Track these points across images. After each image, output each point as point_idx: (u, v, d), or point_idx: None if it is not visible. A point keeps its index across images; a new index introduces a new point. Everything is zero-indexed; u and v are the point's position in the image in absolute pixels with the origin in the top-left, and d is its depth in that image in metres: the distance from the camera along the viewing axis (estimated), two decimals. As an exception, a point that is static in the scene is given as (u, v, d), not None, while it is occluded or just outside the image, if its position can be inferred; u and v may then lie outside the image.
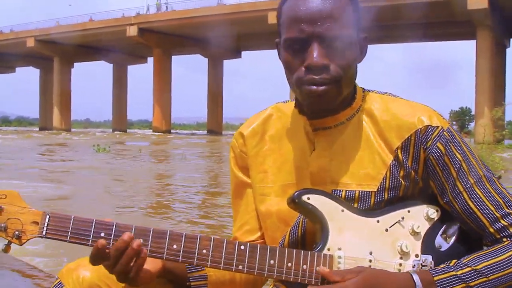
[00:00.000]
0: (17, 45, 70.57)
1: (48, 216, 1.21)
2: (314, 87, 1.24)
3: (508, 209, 1.27)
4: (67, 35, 65.72)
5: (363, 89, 1.39)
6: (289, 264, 1.24)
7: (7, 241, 1.20)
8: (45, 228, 1.20)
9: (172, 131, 67.54)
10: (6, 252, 1.21)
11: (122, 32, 60.21)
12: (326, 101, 1.27)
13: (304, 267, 1.24)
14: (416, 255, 1.27)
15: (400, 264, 1.27)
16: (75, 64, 79.61)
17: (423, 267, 1.27)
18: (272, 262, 1.23)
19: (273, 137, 1.44)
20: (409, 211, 1.29)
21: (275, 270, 1.23)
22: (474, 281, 1.20)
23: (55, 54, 70.77)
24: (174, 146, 30.85)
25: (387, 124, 1.32)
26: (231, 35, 57.28)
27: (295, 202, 1.27)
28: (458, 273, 1.20)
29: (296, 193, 1.27)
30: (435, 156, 1.28)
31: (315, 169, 1.35)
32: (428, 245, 1.28)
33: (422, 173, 1.31)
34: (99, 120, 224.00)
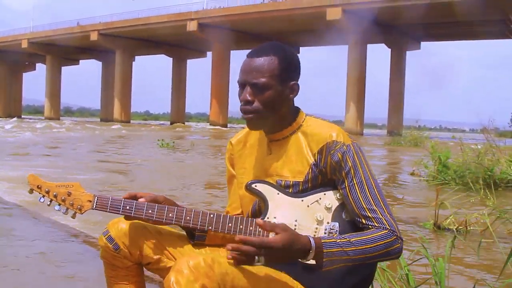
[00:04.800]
0: (81, 39, 72.67)
1: (96, 197, 1.94)
2: (244, 115, 1.94)
3: (375, 206, 1.86)
4: (129, 29, 67.39)
5: (306, 114, 2.03)
6: (241, 226, 1.91)
7: (74, 211, 1.95)
8: (95, 204, 1.94)
9: (228, 125, 68.19)
10: (73, 218, 1.98)
11: (182, 27, 61.26)
12: (253, 125, 1.97)
13: (251, 228, 1.91)
14: (328, 222, 1.92)
15: (316, 228, 1.91)
16: (136, 57, 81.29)
17: (331, 229, 1.90)
18: (230, 225, 1.92)
19: (251, 145, 2.11)
20: (324, 194, 1.94)
21: (232, 229, 1.92)
22: (347, 248, 1.78)
23: (117, 48, 72.58)
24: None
25: (312, 138, 1.95)
26: (287, 31, 57.70)
27: (247, 189, 1.96)
28: (338, 241, 1.78)
29: (248, 183, 1.96)
30: (334, 160, 1.89)
31: (268, 166, 2.01)
32: (336, 216, 1.92)
33: (330, 170, 1.91)
34: (158, 112, 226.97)
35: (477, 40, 65.76)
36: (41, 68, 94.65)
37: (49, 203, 1.95)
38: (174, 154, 18.14)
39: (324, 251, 1.75)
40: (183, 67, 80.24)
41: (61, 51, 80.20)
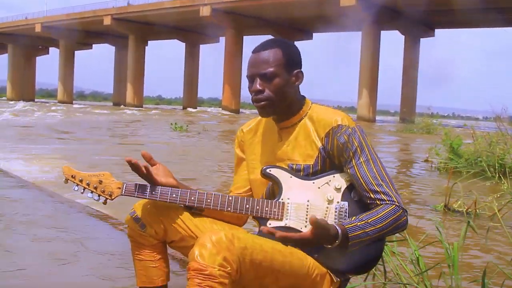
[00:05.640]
0: (94, 23, 72.83)
1: (125, 184, 2.12)
2: (256, 103, 2.11)
3: (381, 181, 2.02)
4: (142, 14, 67.40)
5: (311, 101, 2.20)
6: (257, 207, 2.09)
7: (105, 198, 2.14)
8: (124, 190, 2.12)
9: (241, 110, 68.03)
10: (105, 204, 2.17)
11: (195, 12, 61.12)
12: (265, 113, 2.13)
13: (266, 209, 2.09)
14: (338, 202, 2.07)
15: (327, 207, 2.07)
16: (149, 42, 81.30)
17: (341, 208, 2.05)
18: (247, 206, 2.10)
19: (262, 133, 2.28)
20: (334, 176, 2.10)
21: (249, 210, 2.10)
22: (367, 228, 1.94)
23: (130, 32, 72.66)
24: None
25: (319, 124, 2.10)
26: (301, 17, 57.42)
27: (262, 174, 2.12)
28: (358, 224, 1.93)
29: (263, 168, 2.12)
30: (340, 142, 2.05)
31: (279, 151, 2.17)
32: (345, 196, 2.08)
33: (337, 152, 2.06)
34: (170, 97, 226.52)
35: (491, 28, 64.90)
36: (54, 52, 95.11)
37: (82, 191, 2.15)
38: (188, 138, 18.29)
39: (350, 235, 1.90)
40: (195, 52, 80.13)
41: (74, 35, 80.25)
